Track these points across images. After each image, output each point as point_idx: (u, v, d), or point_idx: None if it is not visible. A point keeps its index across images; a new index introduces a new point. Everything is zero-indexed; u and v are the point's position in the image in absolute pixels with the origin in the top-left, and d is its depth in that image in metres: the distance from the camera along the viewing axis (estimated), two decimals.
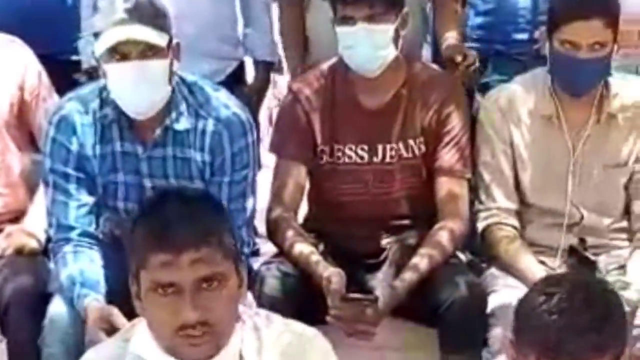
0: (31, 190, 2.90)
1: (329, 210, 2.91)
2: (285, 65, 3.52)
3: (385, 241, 2.86)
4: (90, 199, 2.65)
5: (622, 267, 2.82)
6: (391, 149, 2.85)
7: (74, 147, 2.63)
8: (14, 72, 2.94)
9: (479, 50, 3.33)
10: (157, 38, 2.53)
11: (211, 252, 1.79)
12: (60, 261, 2.61)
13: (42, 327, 2.56)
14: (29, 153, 2.94)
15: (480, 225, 2.89)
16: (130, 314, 2.36)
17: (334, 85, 2.87)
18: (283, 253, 2.77)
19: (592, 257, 2.62)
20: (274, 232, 2.81)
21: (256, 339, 1.87)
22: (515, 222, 2.88)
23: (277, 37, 3.49)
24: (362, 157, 2.86)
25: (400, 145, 2.85)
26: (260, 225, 2.88)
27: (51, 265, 2.72)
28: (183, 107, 2.63)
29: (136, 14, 2.50)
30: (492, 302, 2.71)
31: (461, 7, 3.37)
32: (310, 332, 1.95)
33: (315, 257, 2.70)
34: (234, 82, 3.37)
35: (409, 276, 2.67)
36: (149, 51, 2.52)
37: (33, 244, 2.80)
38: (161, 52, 2.54)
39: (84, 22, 3.19)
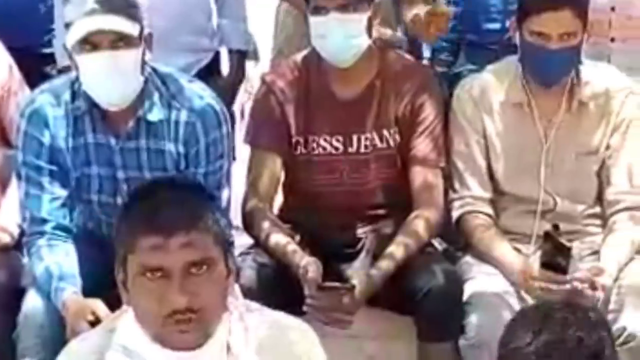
0: (3, 185, 2.87)
1: (305, 200, 2.91)
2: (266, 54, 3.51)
3: (361, 231, 2.87)
4: (63, 192, 2.63)
5: (596, 253, 2.84)
6: (366, 139, 2.85)
7: (47, 140, 2.61)
8: None
9: (451, 40, 3.35)
10: (129, 28, 2.51)
11: (201, 236, 1.78)
12: (35, 255, 2.58)
13: (16, 322, 2.54)
14: (1, 147, 2.91)
15: (455, 214, 2.90)
16: (106, 307, 2.38)
17: (307, 76, 2.87)
18: (259, 244, 2.77)
19: (567, 244, 2.64)
20: (249, 223, 2.80)
21: (243, 329, 1.87)
22: (489, 210, 2.89)
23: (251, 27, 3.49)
24: (336, 148, 2.86)
25: (375, 135, 2.85)
26: (235, 217, 2.87)
27: (24, 260, 2.70)
28: (156, 97, 2.62)
29: (107, 4, 2.48)
30: (468, 290, 2.73)
31: None
32: (297, 323, 1.96)
33: (292, 247, 2.70)
34: (208, 73, 3.36)
35: (385, 265, 2.68)
36: (121, 41, 2.50)
37: (6, 238, 2.77)
38: (133, 42, 2.52)
39: (58, 16, 3.16)
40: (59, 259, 2.55)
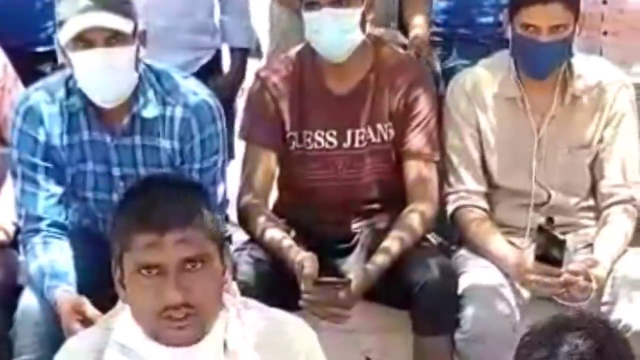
0: None
1: (300, 196, 2.91)
2: (264, 49, 3.49)
3: (356, 225, 2.88)
4: (59, 189, 2.63)
5: (590, 246, 2.85)
6: (360, 134, 2.86)
7: (42, 137, 2.61)
8: None
9: (443, 35, 3.35)
10: (123, 25, 2.51)
11: (196, 233, 1.79)
12: (30, 253, 2.58)
13: (13, 319, 2.54)
14: None
15: (450, 208, 2.91)
16: (102, 304, 2.38)
17: (301, 71, 2.87)
18: (254, 239, 2.78)
19: (561, 237, 2.65)
20: (244, 218, 2.81)
21: (240, 326, 1.87)
22: (484, 204, 2.90)
23: (254, 23, 3.47)
24: (331, 143, 2.86)
25: (369, 130, 2.86)
26: (232, 212, 2.88)
27: (21, 257, 2.70)
28: (150, 94, 2.62)
29: (100, 1, 2.48)
30: (463, 283, 2.74)
31: None
32: (295, 319, 1.96)
33: (287, 242, 2.70)
34: (209, 71, 3.35)
35: (380, 259, 2.69)
36: (114, 38, 2.50)
37: (1, 236, 2.77)
38: (127, 39, 2.52)
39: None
40: (52, 257, 2.55)
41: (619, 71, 3.00)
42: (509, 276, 2.75)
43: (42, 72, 3.15)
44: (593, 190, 2.94)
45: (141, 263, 1.78)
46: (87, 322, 2.40)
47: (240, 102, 3.34)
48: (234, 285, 2.36)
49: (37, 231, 2.59)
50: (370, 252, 2.75)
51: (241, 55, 3.47)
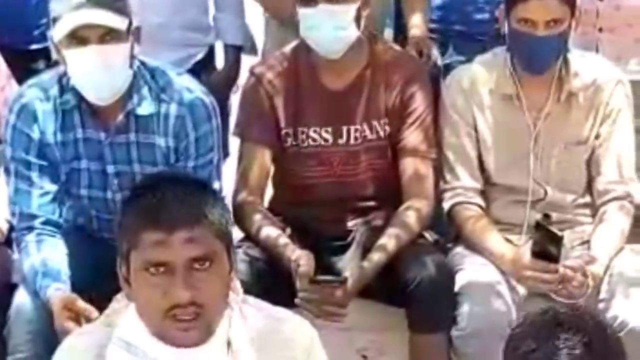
0: None
1: (295, 193, 2.90)
2: (258, 46, 3.48)
3: (351, 223, 2.87)
4: (53, 187, 2.62)
5: (586, 243, 2.85)
6: (355, 131, 2.85)
7: (36, 134, 2.60)
8: None
9: (439, 31, 3.35)
10: (117, 22, 2.50)
11: (204, 232, 1.78)
12: (24, 251, 2.57)
13: (7, 318, 2.53)
14: None
15: (446, 205, 2.90)
16: (96, 301, 2.37)
17: (296, 67, 2.86)
18: (250, 237, 2.77)
19: (558, 233, 2.64)
20: (240, 216, 2.79)
21: (244, 325, 1.87)
22: (480, 201, 2.90)
23: (248, 21, 3.46)
24: (326, 140, 2.85)
25: (365, 126, 2.85)
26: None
27: (14, 255, 2.69)
28: (145, 91, 2.61)
29: None
30: (460, 281, 2.73)
31: None
32: (295, 317, 1.96)
33: (283, 240, 2.69)
34: (202, 68, 3.34)
35: (377, 257, 2.68)
36: (109, 35, 2.49)
37: None
38: (121, 36, 2.51)
39: None
40: (46, 255, 2.54)
41: (615, 68, 3.00)
42: (505, 273, 2.75)
43: (35, 69, 3.14)
44: (589, 187, 2.94)
45: (149, 261, 1.77)
46: (79, 319, 2.39)
47: (235, 99, 3.33)
48: (237, 283, 2.34)
49: (30, 229, 2.58)
50: (366, 249, 2.74)
51: (235, 52, 3.46)
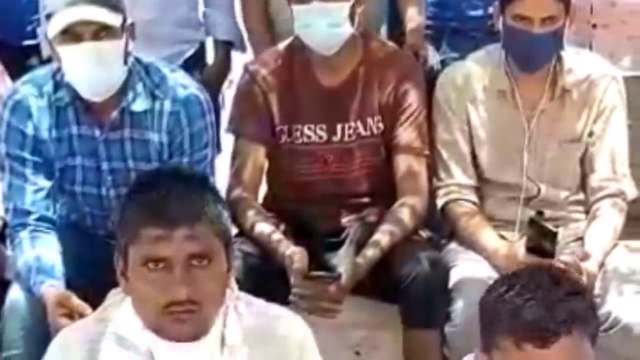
0: None
1: (289, 189, 2.90)
2: (247, 42, 3.48)
3: (345, 219, 2.87)
4: (47, 183, 2.62)
5: (580, 239, 2.85)
6: (349, 128, 2.85)
7: (30, 131, 2.60)
8: None
9: (433, 28, 3.35)
10: (111, 18, 2.50)
11: (204, 229, 1.79)
12: (17, 247, 2.57)
13: (1, 314, 2.53)
14: None
15: (440, 202, 2.91)
16: (90, 297, 2.37)
17: (291, 64, 2.86)
18: (244, 233, 2.77)
19: (553, 229, 2.65)
20: (234, 212, 2.77)
21: (238, 322, 1.87)
22: (474, 197, 2.90)
23: (239, 16, 3.46)
24: (320, 137, 2.86)
25: (359, 123, 2.86)
26: None
27: (8, 252, 2.69)
28: (140, 88, 2.61)
29: None
30: (454, 277, 2.74)
31: None
32: (289, 314, 1.96)
33: (277, 236, 2.70)
34: (193, 64, 3.34)
35: (370, 253, 2.68)
36: (103, 32, 2.49)
37: None
38: (115, 33, 2.51)
39: (43, 6, 3.13)
40: (39, 252, 2.53)
41: (609, 65, 3.00)
42: (499, 270, 2.75)
43: (29, 66, 3.13)
44: (583, 184, 2.94)
45: (148, 256, 1.77)
46: (73, 316, 2.39)
47: (226, 95, 3.33)
48: (232, 280, 2.35)
49: (24, 225, 2.58)
50: (360, 246, 2.74)
51: (225, 48, 3.46)
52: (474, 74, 2.93)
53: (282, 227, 2.79)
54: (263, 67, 2.88)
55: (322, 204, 2.85)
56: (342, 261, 2.69)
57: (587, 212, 2.92)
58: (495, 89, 2.90)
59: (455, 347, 2.67)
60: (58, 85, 2.60)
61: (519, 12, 2.76)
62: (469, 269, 2.74)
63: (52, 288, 2.46)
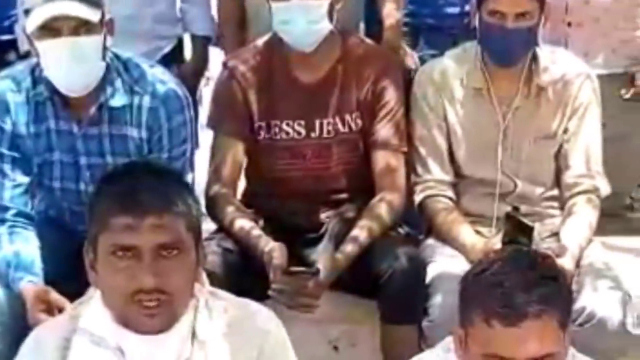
0: None
1: (268, 186, 2.91)
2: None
3: (324, 215, 2.88)
4: (25, 179, 2.61)
5: (555, 235, 2.88)
6: (328, 124, 2.87)
7: (8, 126, 2.59)
8: None
9: (410, 25, 3.36)
10: (90, 13, 2.49)
11: (174, 220, 1.80)
12: None
13: None
14: None
15: (417, 198, 2.93)
16: (69, 293, 2.37)
17: (269, 61, 2.87)
18: (223, 229, 2.77)
19: (530, 223, 2.67)
20: (213, 208, 2.80)
21: (208, 316, 1.88)
22: (451, 193, 2.92)
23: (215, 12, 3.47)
24: (299, 133, 2.87)
25: (337, 120, 2.87)
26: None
27: None
28: (118, 83, 2.60)
29: None
30: (431, 272, 2.75)
31: None
32: (262, 308, 1.97)
33: (256, 232, 2.70)
34: (171, 60, 3.34)
35: (349, 248, 2.70)
36: (82, 27, 2.49)
37: None
38: (94, 28, 2.51)
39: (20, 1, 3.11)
40: (18, 248, 2.53)
41: (583, 63, 3.03)
42: None
43: (7, 61, 3.12)
44: (558, 180, 2.97)
45: (117, 244, 1.78)
46: (52, 311, 2.38)
47: (205, 91, 3.32)
48: (203, 275, 2.36)
49: (3, 221, 2.57)
50: (338, 241, 2.76)
51: (203, 43, 3.46)
52: (451, 70, 2.95)
53: (261, 223, 2.79)
54: (242, 64, 2.88)
55: (301, 200, 2.86)
56: (321, 256, 2.70)
57: (561, 207, 2.95)
58: (472, 85, 2.92)
59: (432, 342, 2.67)
60: (36, 81, 2.59)
61: (494, 8, 2.80)
62: (446, 265, 2.76)
63: (31, 284, 2.46)
